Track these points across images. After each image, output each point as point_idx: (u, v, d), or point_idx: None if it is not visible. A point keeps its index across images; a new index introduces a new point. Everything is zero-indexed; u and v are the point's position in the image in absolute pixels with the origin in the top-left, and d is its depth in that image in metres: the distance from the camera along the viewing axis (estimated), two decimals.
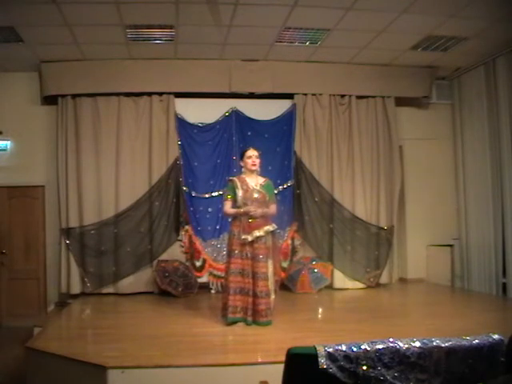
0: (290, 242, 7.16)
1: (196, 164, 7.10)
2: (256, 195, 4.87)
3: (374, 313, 5.56)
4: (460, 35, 6.13)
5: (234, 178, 5.04)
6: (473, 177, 7.30)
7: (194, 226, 7.00)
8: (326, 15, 5.57)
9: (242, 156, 5.06)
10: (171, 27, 5.87)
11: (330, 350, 1.99)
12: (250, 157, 4.94)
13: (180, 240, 7.00)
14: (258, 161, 4.95)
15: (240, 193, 4.85)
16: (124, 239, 6.79)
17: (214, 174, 7.10)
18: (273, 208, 4.97)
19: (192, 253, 6.97)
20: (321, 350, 1.99)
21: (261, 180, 5.01)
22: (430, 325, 4.73)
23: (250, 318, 4.71)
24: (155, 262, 6.78)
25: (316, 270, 6.87)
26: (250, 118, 7.22)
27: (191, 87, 6.96)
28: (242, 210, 4.79)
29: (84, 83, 6.73)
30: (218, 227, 7.01)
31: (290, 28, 5.94)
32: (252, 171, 4.96)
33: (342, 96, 7.37)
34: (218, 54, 6.77)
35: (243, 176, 5.00)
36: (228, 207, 4.93)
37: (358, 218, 7.20)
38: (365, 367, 1.97)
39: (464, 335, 2.15)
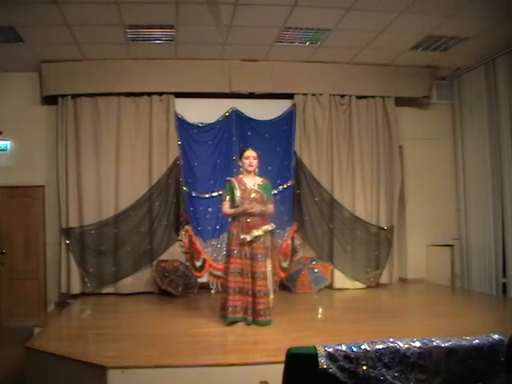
0: (290, 242, 7.15)
1: (196, 164, 7.10)
2: (254, 195, 4.88)
3: (374, 313, 5.56)
4: (460, 35, 6.12)
5: (232, 179, 5.06)
6: (473, 177, 7.29)
7: (194, 225, 7.00)
8: (326, 15, 5.57)
9: (240, 156, 5.07)
10: (171, 27, 5.87)
11: (330, 350, 1.99)
12: (247, 157, 4.95)
13: (180, 240, 7.00)
14: (255, 162, 4.96)
15: (238, 193, 4.86)
16: (124, 239, 6.79)
17: (213, 173, 7.09)
18: (270, 207, 4.98)
19: (192, 253, 6.97)
20: (321, 350, 1.99)
21: (258, 180, 5.02)
22: (430, 325, 4.73)
23: (250, 318, 4.72)
24: (155, 262, 6.79)
25: (316, 270, 6.87)
26: (249, 118, 7.22)
27: (191, 87, 6.96)
28: (240, 209, 4.80)
29: (84, 83, 6.73)
30: (218, 227, 7.01)
31: (289, 28, 5.94)
32: (249, 172, 4.97)
33: (342, 96, 7.37)
34: (217, 54, 6.77)
35: (241, 176, 5.02)
36: (226, 207, 4.94)
37: (357, 217, 7.20)
38: (365, 367, 1.97)
39: (464, 335, 2.15)
